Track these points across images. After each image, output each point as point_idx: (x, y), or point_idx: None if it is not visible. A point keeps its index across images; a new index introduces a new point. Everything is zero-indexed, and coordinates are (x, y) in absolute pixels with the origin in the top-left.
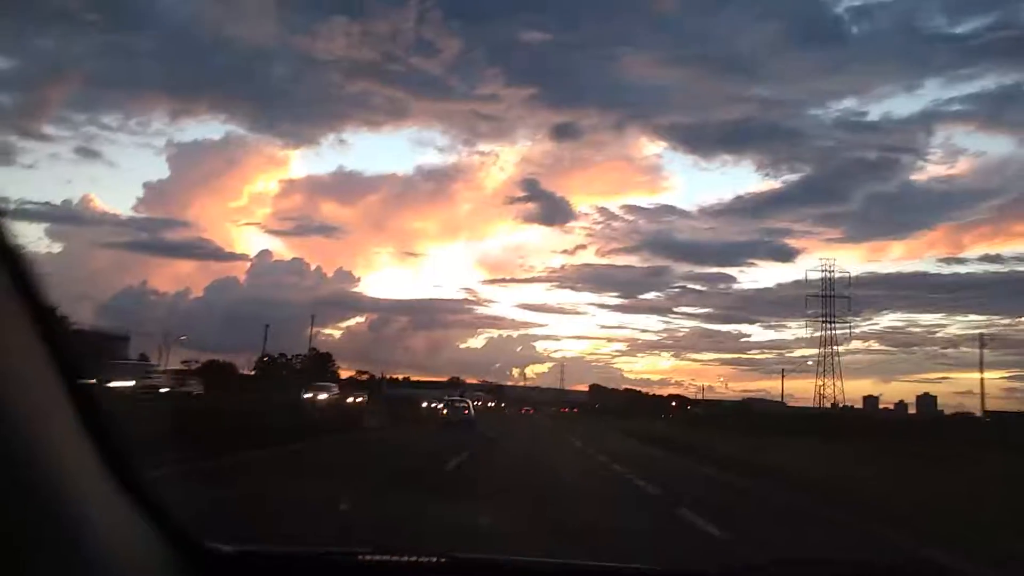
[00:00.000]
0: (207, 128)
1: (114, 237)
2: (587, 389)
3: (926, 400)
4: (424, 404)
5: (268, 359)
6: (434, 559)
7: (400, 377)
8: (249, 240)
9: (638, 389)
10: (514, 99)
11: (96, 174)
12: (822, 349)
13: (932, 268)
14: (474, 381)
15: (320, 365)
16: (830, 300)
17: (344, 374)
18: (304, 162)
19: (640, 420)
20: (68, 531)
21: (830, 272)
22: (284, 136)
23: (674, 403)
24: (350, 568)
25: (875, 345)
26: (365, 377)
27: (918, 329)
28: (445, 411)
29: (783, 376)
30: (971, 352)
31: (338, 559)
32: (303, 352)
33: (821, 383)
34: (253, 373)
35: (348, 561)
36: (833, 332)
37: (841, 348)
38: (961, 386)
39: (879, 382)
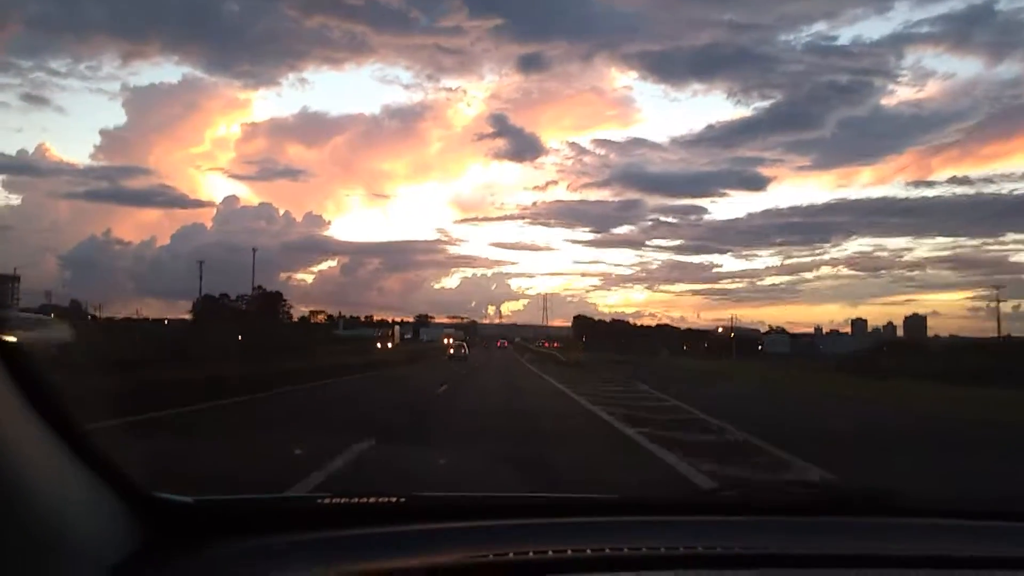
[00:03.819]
0: (162, 71)
1: (73, 187)
2: (569, 323)
3: (916, 321)
4: None
5: (205, 301)
6: (393, 500)
7: (362, 317)
8: (214, 186)
9: (626, 320)
10: (479, 31)
11: (47, 122)
12: None
13: (900, 192)
14: (446, 320)
15: (269, 306)
16: None
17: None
18: (266, 104)
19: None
20: (9, 485)
21: None
22: (243, 77)
23: (719, 330)
24: (309, 513)
25: (844, 270)
26: (321, 318)
27: (885, 253)
28: (451, 350)
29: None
30: (937, 274)
31: (297, 505)
32: (248, 293)
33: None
34: (191, 317)
35: (307, 506)
36: None
37: (810, 275)
38: (926, 307)
39: (846, 306)
